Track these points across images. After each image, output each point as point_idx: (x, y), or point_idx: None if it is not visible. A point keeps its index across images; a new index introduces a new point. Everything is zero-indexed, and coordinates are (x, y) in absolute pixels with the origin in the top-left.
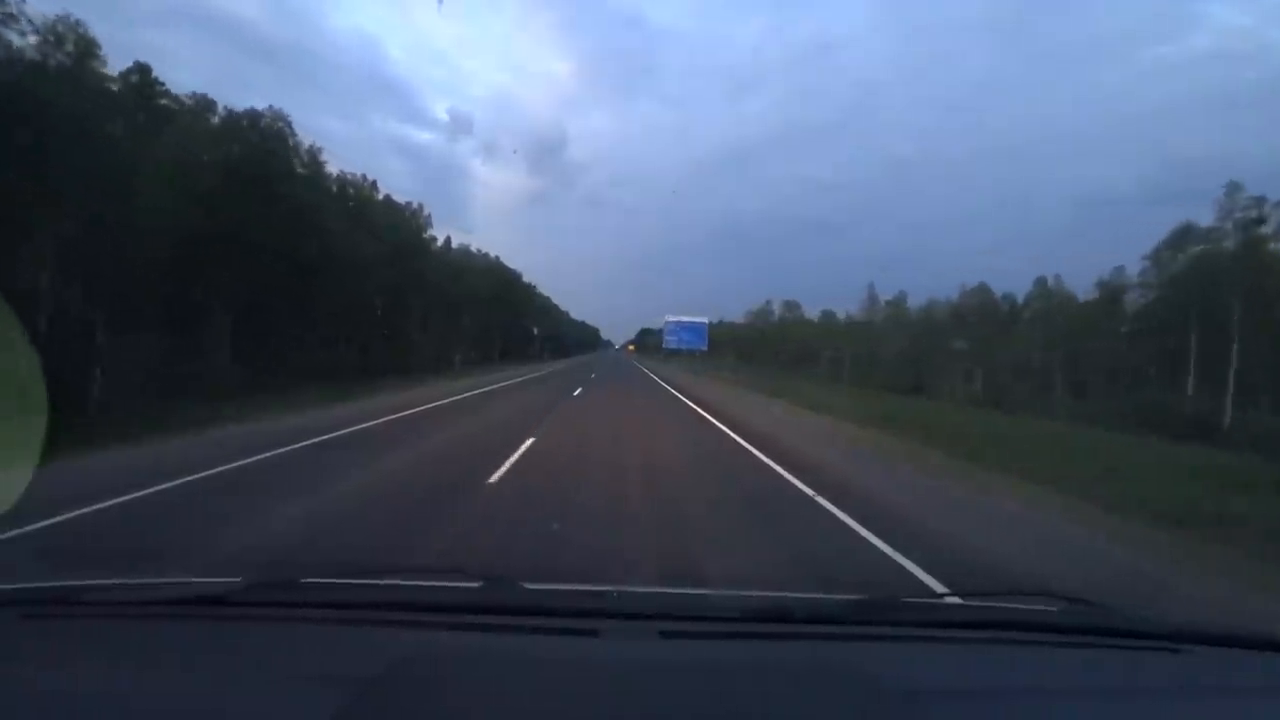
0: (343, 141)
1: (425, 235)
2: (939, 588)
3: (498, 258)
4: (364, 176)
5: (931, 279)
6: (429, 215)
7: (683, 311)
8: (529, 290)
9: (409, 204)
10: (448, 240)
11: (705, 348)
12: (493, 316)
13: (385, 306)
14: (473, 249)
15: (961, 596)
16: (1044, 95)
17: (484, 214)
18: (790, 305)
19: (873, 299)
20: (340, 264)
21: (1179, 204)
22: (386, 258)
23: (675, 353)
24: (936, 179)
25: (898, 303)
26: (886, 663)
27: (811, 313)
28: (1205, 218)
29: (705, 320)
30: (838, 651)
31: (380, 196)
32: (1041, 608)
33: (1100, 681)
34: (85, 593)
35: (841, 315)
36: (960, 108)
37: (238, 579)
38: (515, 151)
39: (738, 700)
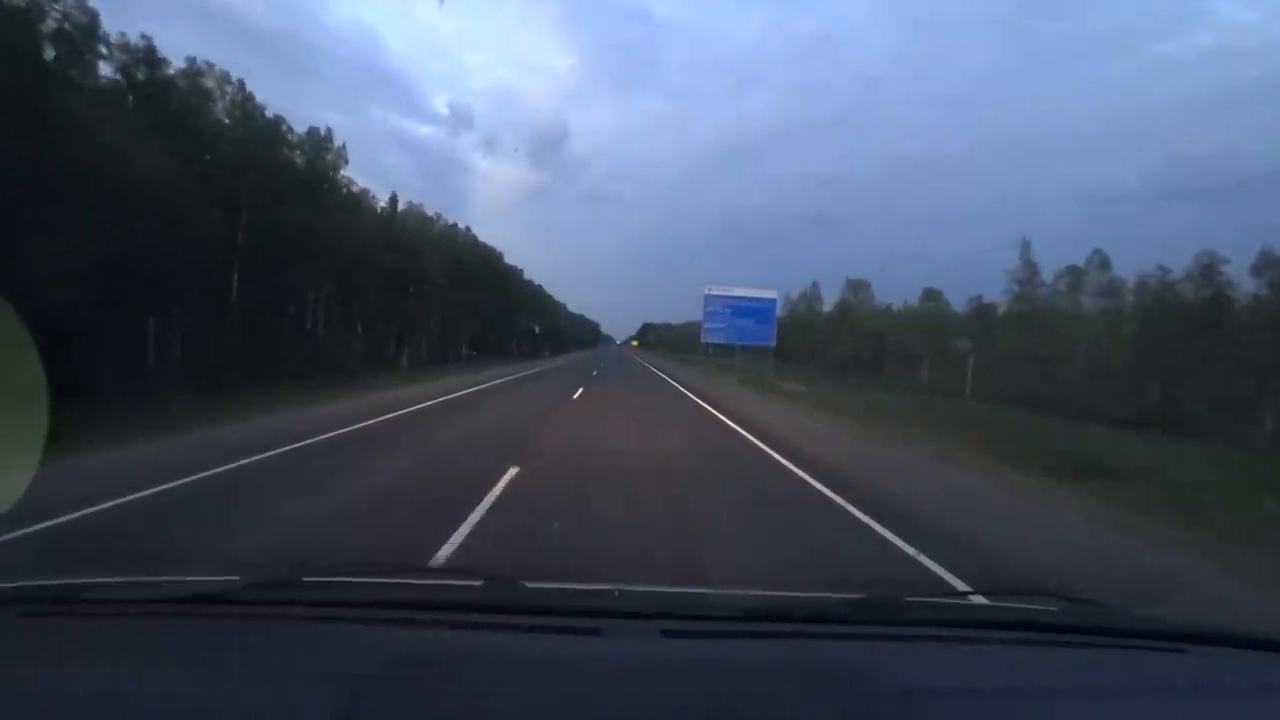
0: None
1: (336, 176)
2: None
3: (468, 228)
4: (209, 65)
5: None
6: (343, 147)
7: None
8: (512, 273)
9: (316, 131)
10: (393, 200)
11: (773, 343)
12: (459, 300)
13: (249, 278)
14: (430, 213)
15: (963, 596)
16: (1046, 91)
17: (485, 208)
18: (856, 286)
19: (1029, 269)
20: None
21: (1185, 201)
22: (235, 195)
23: (725, 350)
24: (938, 174)
25: (1084, 272)
26: (887, 662)
27: (884, 298)
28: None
29: (773, 295)
30: (838, 651)
31: (233, 97)
32: (1043, 607)
33: (1101, 681)
34: (83, 591)
35: (903, 302)
36: (962, 103)
37: (237, 577)
38: (516, 150)
39: (739, 700)
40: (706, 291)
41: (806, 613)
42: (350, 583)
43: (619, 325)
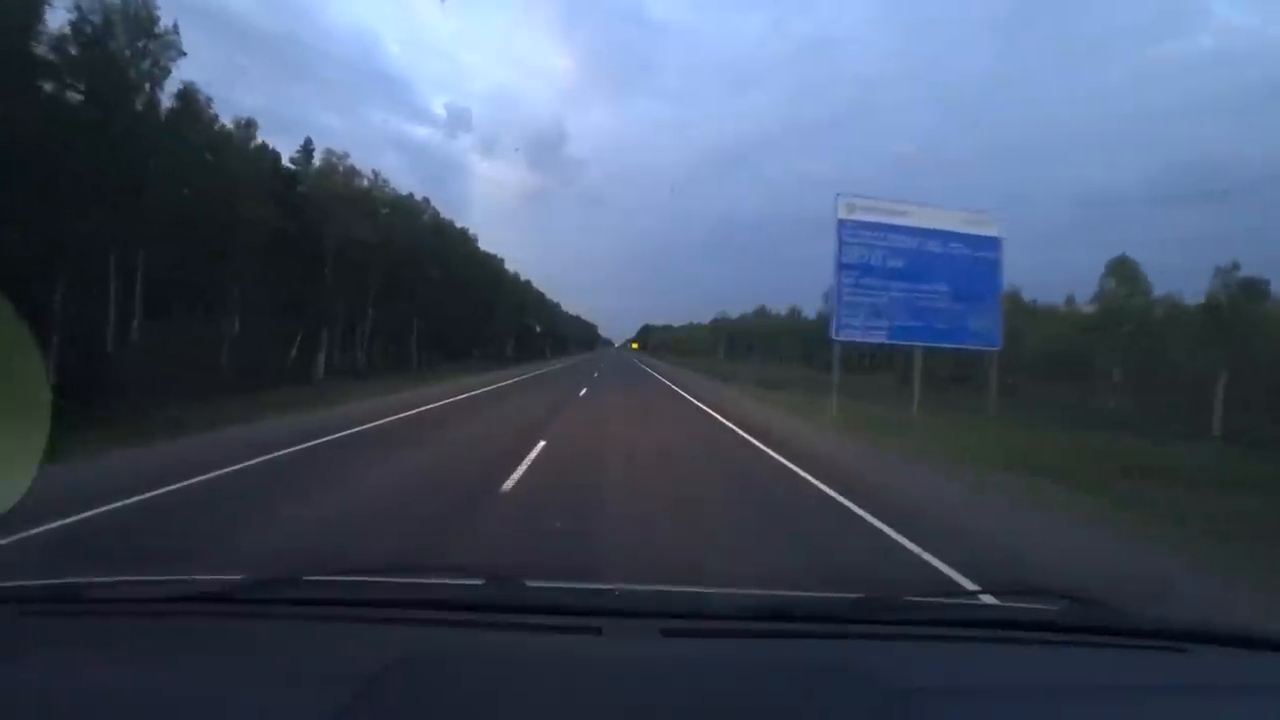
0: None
1: (158, 75)
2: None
3: (427, 199)
4: None
5: None
6: (175, 30)
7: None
8: (491, 261)
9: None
10: (307, 147)
11: (997, 342)
12: (413, 289)
13: None
14: (367, 172)
15: (963, 595)
16: (1045, 94)
17: (483, 211)
18: None
19: None
20: None
21: (1183, 204)
22: None
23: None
24: (937, 176)
25: None
26: (886, 661)
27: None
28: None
29: (994, 232)
30: (838, 650)
31: None
32: (1042, 606)
33: (1101, 681)
34: (85, 589)
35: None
36: (961, 105)
37: (240, 576)
38: (517, 150)
39: (739, 699)
40: (842, 215)
41: (807, 612)
42: (352, 582)
43: (617, 327)
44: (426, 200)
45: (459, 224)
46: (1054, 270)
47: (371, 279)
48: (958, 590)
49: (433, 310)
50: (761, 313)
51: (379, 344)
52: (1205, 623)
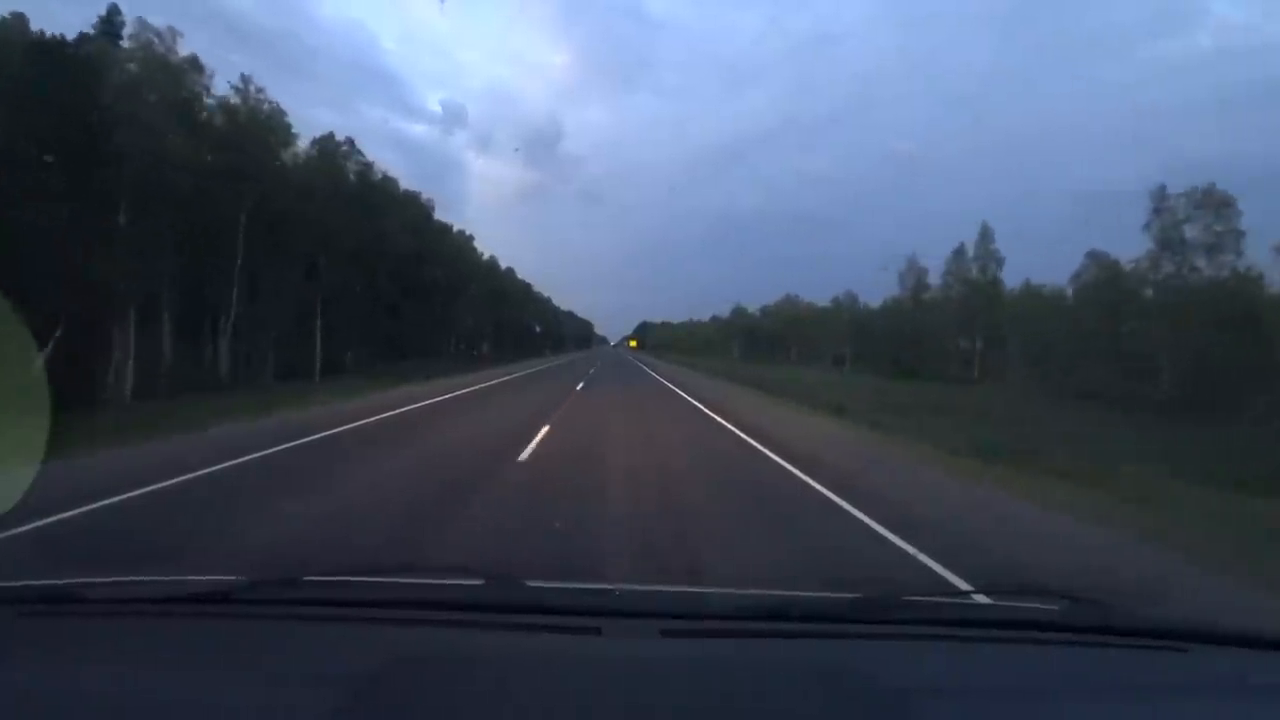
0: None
1: None
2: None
3: (352, 141)
4: None
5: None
6: None
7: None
8: (444, 232)
9: None
10: (111, 16)
11: None
12: (301, 261)
13: None
14: (235, 79)
15: (963, 595)
16: (1043, 91)
17: (478, 208)
18: (1179, 217)
19: None
20: None
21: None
22: None
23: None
24: (935, 173)
25: None
26: (885, 662)
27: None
28: None
29: None
30: (837, 650)
31: None
32: (1042, 606)
33: (1102, 681)
34: (83, 590)
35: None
36: (959, 102)
37: (239, 577)
38: (517, 150)
39: (738, 699)
40: None
41: (805, 612)
42: (351, 582)
43: (613, 325)
44: (351, 142)
45: (413, 188)
46: (1049, 269)
47: (238, 242)
48: (956, 590)
49: (353, 295)
50: (789, 303)
51: (265, 341)
52: (1206, 622)
